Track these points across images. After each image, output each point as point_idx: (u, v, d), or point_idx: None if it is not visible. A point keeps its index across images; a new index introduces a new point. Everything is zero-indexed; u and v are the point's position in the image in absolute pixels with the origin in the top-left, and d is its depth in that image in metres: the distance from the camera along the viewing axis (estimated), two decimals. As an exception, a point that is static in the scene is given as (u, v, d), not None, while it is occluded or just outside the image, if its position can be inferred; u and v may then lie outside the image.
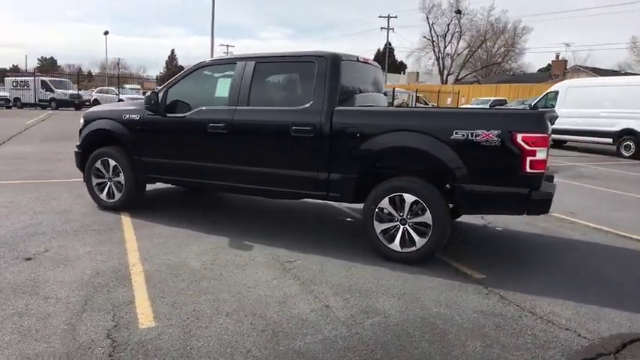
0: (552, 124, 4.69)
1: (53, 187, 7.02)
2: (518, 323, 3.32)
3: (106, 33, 58.38)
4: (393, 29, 63.38)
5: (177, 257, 4.34)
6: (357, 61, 5.14)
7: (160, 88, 5.52)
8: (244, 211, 6.24)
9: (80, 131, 6.00)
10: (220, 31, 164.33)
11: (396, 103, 40.02)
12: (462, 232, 5.51)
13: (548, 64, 51.37)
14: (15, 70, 53.70)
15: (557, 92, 16.26)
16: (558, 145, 17.11)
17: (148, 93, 5.37)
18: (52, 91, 31.13)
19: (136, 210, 5.78)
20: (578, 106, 15.32)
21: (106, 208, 5.81)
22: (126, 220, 5.43)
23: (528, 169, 3.90)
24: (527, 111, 4.26)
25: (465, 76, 54.79)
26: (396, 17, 55.82)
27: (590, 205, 7.41)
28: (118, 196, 5.76)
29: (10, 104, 31.01)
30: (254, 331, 3.06)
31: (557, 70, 42.95)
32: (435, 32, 53.96)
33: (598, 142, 15.69)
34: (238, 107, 4.96)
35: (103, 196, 5.85)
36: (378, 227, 4.43)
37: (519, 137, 3.88)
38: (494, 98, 33.06)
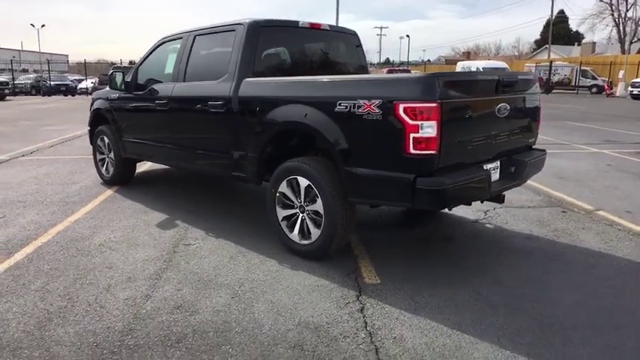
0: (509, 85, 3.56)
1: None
2: (335, 346, 2.61)
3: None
4: (560, -7, 55.56)
5: (92, 232, 4.41)
6: (298, 27, 4.54)
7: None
8: (246, 193, 6.09)
9: (90, 109, 6.48)
10: (387, 13, 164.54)
11: (555, 80, 35.33)
12: (440, 227, 4.58)
13: None
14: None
15: None
16: None
17: (110, 71, 5.50)
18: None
19: (130, 185, 6.09)
20: None
21: (106, 182, 6.21)
22: (106, 194, 5.72)
23: (412, 150, 3.01)
24: (414, 75, 3.27)
25: (655, 44, 45.42)
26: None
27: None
28: (111, 171, 6.11)
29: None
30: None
31: None
32: (615, -8, 45.54)
33: None
34: (177, 83, 4.82)
35: (103, 170, 6.25)
36: (280, 214, 3.91)
37: (400, 108, 3.01)
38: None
